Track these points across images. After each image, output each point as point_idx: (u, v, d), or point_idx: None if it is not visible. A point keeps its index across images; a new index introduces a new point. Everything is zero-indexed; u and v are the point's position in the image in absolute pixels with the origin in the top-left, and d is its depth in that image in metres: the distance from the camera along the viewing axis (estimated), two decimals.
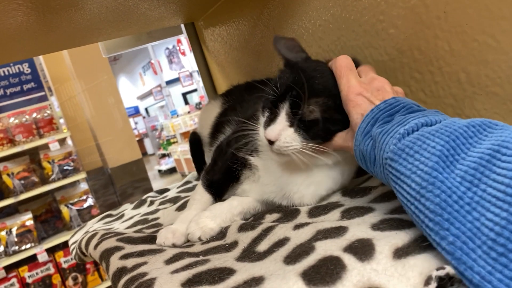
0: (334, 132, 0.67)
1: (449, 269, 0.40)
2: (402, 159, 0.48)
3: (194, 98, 12.31)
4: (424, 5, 0.67)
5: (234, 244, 0.66)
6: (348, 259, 0.46)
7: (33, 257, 3.09)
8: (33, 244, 3.08)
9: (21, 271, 3.08)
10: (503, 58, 0.60)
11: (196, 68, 1.52)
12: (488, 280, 0.36)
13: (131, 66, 14.34)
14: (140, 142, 12.98)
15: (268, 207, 0.82)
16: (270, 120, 0.70)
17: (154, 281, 0.56)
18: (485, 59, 0.62)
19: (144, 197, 1.30)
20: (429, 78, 0.72)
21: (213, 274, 0.54)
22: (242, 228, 0.69)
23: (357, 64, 0.70)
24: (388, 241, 0.48)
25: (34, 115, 3.29)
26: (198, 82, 11.01)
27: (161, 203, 1.16)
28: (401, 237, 0.48)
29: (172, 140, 9.44)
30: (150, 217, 1.03)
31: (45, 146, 3.26)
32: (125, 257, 0.69)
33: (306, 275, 0.46)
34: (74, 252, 1.04)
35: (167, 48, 11.82)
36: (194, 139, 1.20)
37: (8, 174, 3.10)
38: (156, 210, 1.09)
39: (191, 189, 1.22)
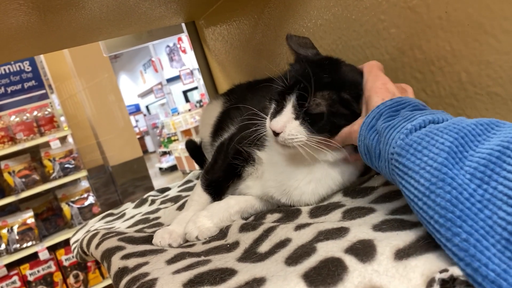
0: (339, 126, 0.67)
1: (452, 271, 0.40)
2: (410, 154, 0.48)
3: (194, 96, 12.30)
4: (426, 5, 0.67)
5: (235, 245, 0.66)
6: (350, 261, 0.46)
7: (35, 255, 3.09)
8: (34, 242, 3.09)
9: (23, 269, 3.08)
10: (505, 58, 0.60)
11: (197, 66, 1.51)
12: (503, 278, 0.36)
13: (132, 64, 14.33)
14: (141, 140, 12.98)
15: (267, 206, 0.82)
16: (277, 112, 0.71)
17: (156, 281, 0.56)
18: (487, 59, 0.62)
19: (145, 196, 1.30)
20: (430, 78, 0.71)
21: (215, 274, 0.54)
22: (243, 228, 0.69)
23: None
24: (389, 242, 0.48)
25: (35, 113, 3.28)
26: (199, 80, 11.00)
27: (162, 202, 1.16)
28: (402, 238, 0.48)
29: (173, 138, 9.43)
30: (151, 216, 1.03)
31: (46, 144, 3.26)
32: (126, 257, 0.70)
33: (308, 277, 0.46)
34: (75, 251, 1.04)
35: (168, 46, 11.80)
36: (190, 147, 1.24)
37: (9, 172, 3.10)
38: (157, 210, 1.09)
39: (192, 188, 1.22)
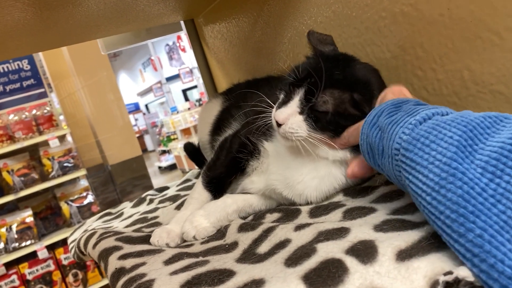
0: (345, 127, 0.66)
1: (457, 273, 0.39)
2: (417, 148, 0.46)
3: (194, 95, 12.29)
4: (427, 2, 0.66)
5: (234, 245, 0.65)
6: (350, 262, 0.45)
7: (33, 254, 3.09)
8: (33, 241, 3.08)
9: (21, 268, 3.08)
10: (508, 56, 0.59)
11: (196, 64, 1.50)
12: None
13: (131, 62, 14.31)
14: (140, 139, 12.97)
15: (266, 205, 0.81)
16: (283, 103, 0.70)
17: (153, 282, 0.55)
18: (490, 57, 0.61)
19: (144, 195, 1.29)
20: (432, 76, 0.71)
21: (213, 275, 0.53)
22: (242, 228, 0.68)
23: None
24: (391, 243, 0.47)
25: (34, 111, 3.27)
26: (198, 79, 10.98)
27: (160, 202, 1.15)
28: (404, 239, 0.47)
29: (172, 137, 9.42)
30: (150, 215, 1.02)
31: (45, 143, 3.25)
32: (123, 257, 0.69)
33: (308, 278, 0.45)
34: (73, 251, 1.03)
35: (167, 45, 11.79)
36: (189, 149, 1.24)
37: (8, 171, 3.09)
38: (156, 209, 1.08)
39: (191, 187, 1.21)
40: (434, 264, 0.42)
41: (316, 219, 0.65)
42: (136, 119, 13.64)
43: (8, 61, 3.26)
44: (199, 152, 1.20)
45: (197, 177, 1.33)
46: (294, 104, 0.68)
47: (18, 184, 3.08)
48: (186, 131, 8.69)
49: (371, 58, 0.81)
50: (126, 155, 3.96)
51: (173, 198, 1.14)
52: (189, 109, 8.93)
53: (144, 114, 14.46)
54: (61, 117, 3.69)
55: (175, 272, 0.57)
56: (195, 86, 11.82)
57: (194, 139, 6.48)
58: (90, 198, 3.40)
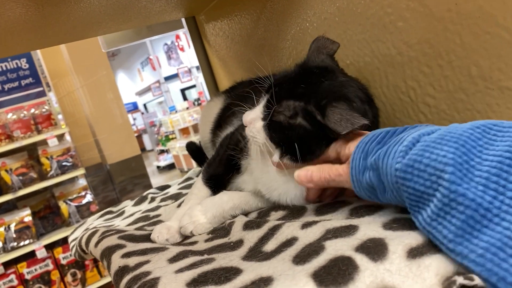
0: (299, 143, 0.63)
1: (478, 281, 0.38)
2: (415, 176, 0.45)
3: (192, 94, 12.29)
4: None
5: (239, 243, 0.64)
6: (361, 259, 0.44)
7: (32, 254, 3.07)
8: (31, 240, 3.07)
9: (20, 268, 3.06)
10: None
11: (194, 64, 1.50)
12: None
13: (130, 62, 14.29)
14: (139, 138, 12.95)
15: (262, 203, 0.81)
16: (255, 106, 0.71)
17: (158, 280, 0.55)
18: (498, 53, 0.60)
19: (145, 193, 1.28)
20: (439, 72, 0.70)
21: (219, 273, 0.53)
22: (247, 226, 0.68)
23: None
24: (402, 240, 0.46)
25: (32, 110, 3.26)
26: (197, 78, 10.98)
27: (162, 200, 1.14)
28: (414, 237, 0.47)
29: (170, 136, 9.41)
30: (152, 214, 1.01)
31: (44, 142, 3.24)
32: (127, 255, 0.68)
33: (317, 276, 0.44)
34: (74, 249, 1.02)
35: (166, 44, 11.78)
36: (192, 148, 1.23)
37: (6, 170, 3.08)
38: (157, 207, 1.07)
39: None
40: (446, 262, 0.42)
41: (323, 216, 0.64)
42: (134, 119, 13.63)
43: (7, 59, 3.25)
44: (201, 151, 1.20)
45: (198, 175, 1.32)
46: (259, 109, 0.69)
47: (17, 183, 3.06)
48: (184, 131, 8.68)
49: (376, 55, 0.80)
50: (125, 155, 3.95)
51: (175, 197, 1.13)
52: (187, 108, 8.92)
53: (142, 113, 14.45)
54: (60, 116, 3.68)
55: (180, 270, 0.56)
56: (194, 86, 11.82)
57: (193, 139, 6.46)
58: (88, 197, 3.39)
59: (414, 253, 0.44)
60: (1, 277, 2.98)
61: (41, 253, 3.08)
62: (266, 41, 1.13)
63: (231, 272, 0.52)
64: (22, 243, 3.04)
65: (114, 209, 1.26)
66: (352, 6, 0.81)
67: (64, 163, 3.26)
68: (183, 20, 1.52)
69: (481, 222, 0.38)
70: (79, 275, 3.25)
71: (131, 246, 0.72)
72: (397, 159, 0.47)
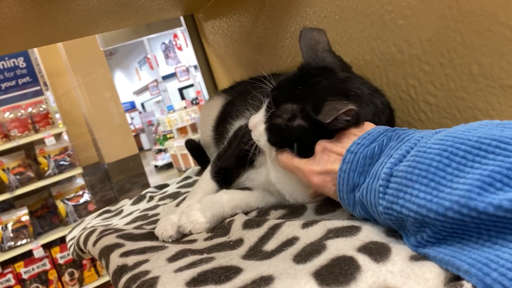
0: (299, 142, 0.64)
1: None
2: (396, 213, 0.46)
3: (190, 93, 12.26)
4: None
5: (239, 242, 0.64)
6: (363, 260, 0.44)
7: (29, 253, 3.06)
8: (29, 240, 3.05)
9: (17, 267, 3.05)
10: None
11: (192, 63, 1.49)
12: None
13: (127, 61, 14.25)
14: (137, 137, 12.92)
15: (264, 203, 0.81)
16: (258, 109, 0.72)
17: (157, 280, 0.54)
18: (500, 50, 0.60)
19: (143, 192, 1.28)
20: (439, 71, 0.69)
21: (219, 273, 0.52)
22: (247, 225, 0.67)
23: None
24: (405, 246, 0.46)
25: (30, 109, 3.25)
26: (194, 77, 10.95)
27: (160, 199, 1.13)
28: None
29: (168, 136, 9.37)
30: (150, 213, 1.01)
31: (41, 141, 3.22)
32: (125, 254, 0.67)
33: (319, 275, 0.44)
34: (71, 249, 1.01)
35: (164, 43, 11.74)
36: (191, 145, 1.22)
37: (3, 169, 3.06)
38: (156, 206, 1.06)
39: (191, 184, 1.20)
40: None
41: (323, 216, 0.64)
42: (132, 118, 13.59)
43: (4, 58, 3.23)
44: (200, 149, 1.19)
45: (197, 174, 1.32)
46: (261, 113, 0.70)
47: (14, 182, 3.05)
48: (182, 130, 8.65)
49: (377, 53, 0.79)
50: (122, 154, 3.94)
51: (174, 195, 1.12)
52: (185, 107, 8.89)
53: (140, 112, 14.41)
54: (57, 115, 3.66)
55: (179, 269, 0.56)
56: (192, 85, 11.79)
57: (191, 138, 6.45)
58: (86, 196, 3.37)
59: (417, 256, 0.44)
60: None
61: (38, 253, 3.07)
62: (265, 40, 1.12)
63: (231, 271, 0.52)
64: (19, 243, 3.02)
65: (112, 208, 1.26)
66: (352, 4, 0.81)
67: (61, 162, 3.25)
68: (181, 18, 1.51)
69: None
70: (76, 275, 3.24)
71: (130, 245, 0.71)
72: (378, 200, 0.48)
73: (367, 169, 0.52)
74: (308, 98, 0.63)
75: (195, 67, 9.77)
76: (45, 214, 3.32)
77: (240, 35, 1.24)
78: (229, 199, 0.78)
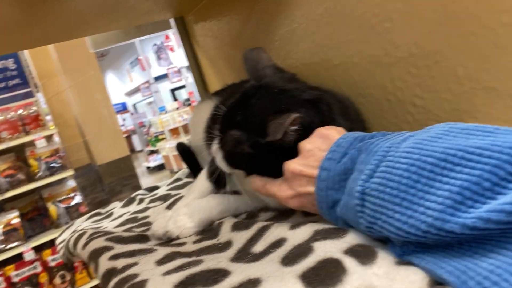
0: (252, 167, 0.65)
1: None
2: (376, 231, 0.47)
3: (182, 95, 12.23)
4: None
5: (228, 244, 0.64)
6: (349, 262, 0.45)
7: (20, 256, 3.04)
8: (19, 243, 3.03)
9: (7, 270, 3.02)
10: (503, 52, 0.59)
11: (184, 64, 1.49)
12: None
13: (119, 62, 14.19)
14: (128, 139, 12.86)
15: (252, 208, 0.81)
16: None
17: (146, 283, 0.54)
18: (484, 54, 0.61)
19: (133, 195, 1.27)
20: (426, 73, 0.70)
21: (207, 275, 0.52)
22: (236, 227, 0.68)
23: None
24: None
25: (20, 111, 3.22)
26: (186, 78, 10.93)
27: (151, 201, 1.13)
28: None
29: (160, 137, 9.35)
30: (140, 215, 1.01)
31: (32, 143, 3.20)
32: (115, 257, 0.67)
33: (306, 277, 0.44)
34: (61, 252, 1.01)
35: (155, 44, 11.71)
36: (183, 149, 1.20)
37: None
38: (146, 209, 1.06)
39: (182, 186, 1.20)
40: None
41: (311, 217, 0.64)
42: (123, 119, 13.52)
43: None
44: (191, 153, 1.18)
45: (188, 176, 1.32)
46: (216, 140, 0.70)
47: (4, 185, 3.02)
48: (174, 131, 8.63)
49: (364, 56, 0.80)
50: (114, 155, 3.92)
51: (164, 198, 1.12)
52: (177, 108, 8.87)
53: (131, 114, 14.35)
54: (48, 117, 3.64)
55: (168, 272, 0.56)
56: (184, 86, 11.77)
57: (183, 139, 6.42)
58: (78, 198, 3.36)
59: (403, 262, 0.44)
60: None
61: (29, 256, 3.05)
62: (255, 42, 1.12)
63: (220, 274, 0.52)
64: (9, 246, 3.00)
65: (102, 210, 1.26)
66: (340, 7, 0.81)
67: (52, 164, 3.23)
68: (171, 20, 1.51)
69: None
70: (68, 277, 3.22)
71: (119, 248, 0.71)
72: (358, 219, 0.48)
73: (343, 184, 0.52)
74: (250, 124, 0.63)
75: (187, 68, 9.75)
76: (36, 216, 3.30)
77: (230, 38, 1.24)
78: (217, 203, 0.78)
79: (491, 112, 0.63)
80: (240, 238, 0.64)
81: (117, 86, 14.77)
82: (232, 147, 0.64)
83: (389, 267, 0.43)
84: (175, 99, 12.03)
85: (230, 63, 1.31)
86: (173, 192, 1.15)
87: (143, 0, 1.06)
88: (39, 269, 3.12)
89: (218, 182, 0.84)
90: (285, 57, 1.02)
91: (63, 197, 3.32)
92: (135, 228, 0.90)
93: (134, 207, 1.14)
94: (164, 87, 12.24)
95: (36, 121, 3.25)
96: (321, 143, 0.58)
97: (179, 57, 10.97)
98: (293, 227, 0.58)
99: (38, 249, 3.13)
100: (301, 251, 0.50)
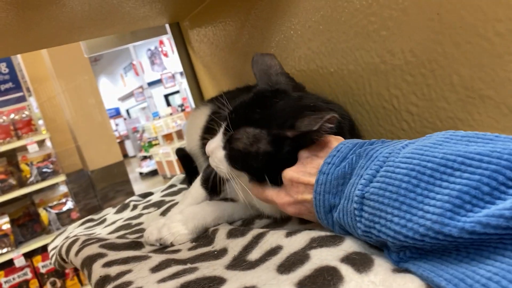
0: (257, 169, 0.64)
1: None
2: (374, 236, 0.47)
3: (176, 100, 12.23)
4: (417, 7, 0.66)
5: (223, 252, 0.64)
6: (346, 270, 0.44)
7: (10, 262, 3.00)
8: (9, 249, 3.00)
9: None
10: (497, 61, 0.59)
11: (178, 69, 1.49)
12: None
13: (112, 67, 14.16)
14: (121, 144, 12.79)
15: (247, 215, 0.81)
16: (217, 132, 0.70)
17: None
18: (479, 62, 0.61)
19: (127, 201, 1.26)
20: (421, 81, 0.70)
21: (202, 283, 0.52)
22: (231, 234, 0.67)
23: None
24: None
25: (12, 116, 3.20)
26: (180, 84, 10.93)
27: (144, 208, 1.13)
28: None
29: (153, 142, 9.31)
30: (134, 222, 1.00)
31: (23, 148, 3.18)
32: (108, 264, 0.66)
33: (302, 285, 0.44)
34: (53, 258, 1.00)
35: (149, 49, 11.71)
36: (183, 155, 1.18)
37: None
38: (140, 215, 1.05)
39: (176, 193, 1.19)
40: None
41: (307, 225, 0.64)
42: (116, 124, 13.46)
43: None
44: (190, 158, 1.17)
45: (182, 182, 1.31)
46: (219, 138, 0.68)
47: None
48: (168, 137, 8.60)
49: (360, 63, 0.80)
50: (106, 161, 3.90)
51: (158, 204, 1.11)
52: (171, 114, 8.85)
53: (125, 119, 14.29)
54: (40, 122, 3.61)
55: (163, 280, 0.55)
56: (177, 91, 11.76)
57: (177, 145, 6.37)
58: (69, 204, 3.33)
59: (400, 269, 0.44)
60: None
61: (19, 262, 3.01)
62: (251, 48, 1.12)
63: (215, 282, 0.51)
64: (0, 252, 2.97)
65: (95, 217, 1.24)
66: (336, 14, 0.82)
67: (44, 170, 3.21)
68: (167, 26, 1.51)
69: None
70: (58, 284, 3.19)
71: (113, 255, 0.70)
72: (356, 224, 0.48)
73: (341, 189, 0.52)
74: (272, 121, 0.62)
75: (181, 73, 9.75)
76: (27, 222, 3.27)
77: (225, 44, 1.24)
78: (212, 210, 0.78)
79: (486, 120, 0.63)
80: (236, 246, 0.63)
81: (111, 91, 14.72)
82: (247, 144, 0.63)
83: (386, 274, 0.43)
84: (169, 104, 12.02)
85: (226, 69, 1.31)
86: (167, 199, 1.15)
87: (138, 5, 1.05)
88: (30, 275, 3.09)
89: (213, 188, 0.83)
90: (281, 63, 1.02)
91: (55, 203, 3.29)
92: (128, 234, 0.90)
93: (127, 214, 1.13)
94: (158, 92, 12.22)
95: (28, 125, 3.23)
96: (320, 151, 0.58)
97: (173, 62, 10.97)
98: (289, 234, 0.57)
99: (28, 255, 3.10)
100: (297, 258, 0.50)
